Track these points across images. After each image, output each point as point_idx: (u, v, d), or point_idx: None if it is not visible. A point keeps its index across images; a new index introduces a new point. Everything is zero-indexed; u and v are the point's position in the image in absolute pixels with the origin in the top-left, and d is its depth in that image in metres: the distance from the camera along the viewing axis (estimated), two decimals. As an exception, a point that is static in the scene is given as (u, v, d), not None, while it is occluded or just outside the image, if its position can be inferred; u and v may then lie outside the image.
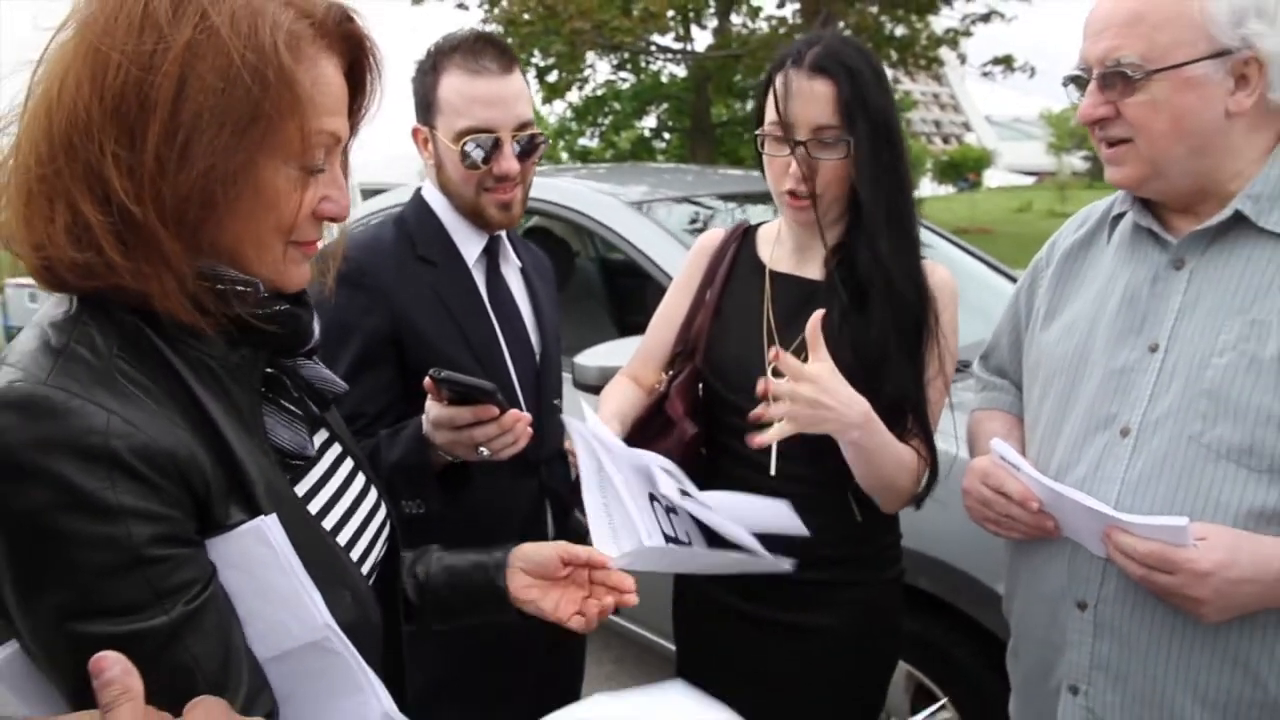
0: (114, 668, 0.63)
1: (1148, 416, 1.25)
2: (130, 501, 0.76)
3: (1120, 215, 1.38)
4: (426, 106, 1.71)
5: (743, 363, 1.54)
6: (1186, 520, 1.12)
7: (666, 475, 1.37)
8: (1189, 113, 1.19)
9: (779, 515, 1.40)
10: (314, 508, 0.99)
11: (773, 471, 1.49)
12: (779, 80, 1.48)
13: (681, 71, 17.16)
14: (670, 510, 1.41)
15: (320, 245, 0.97)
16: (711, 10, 16.08)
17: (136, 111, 0.79)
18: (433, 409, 1.38)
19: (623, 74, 18.26)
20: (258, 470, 0.88)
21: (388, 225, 1.80)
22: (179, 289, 0.83)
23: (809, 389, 1.33)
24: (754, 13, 15.58)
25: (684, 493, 1.40)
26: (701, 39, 16.17)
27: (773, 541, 1.45)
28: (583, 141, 22.00)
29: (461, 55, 1.64)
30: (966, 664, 2.20)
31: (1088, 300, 1.39)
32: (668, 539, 1.34)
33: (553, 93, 16.27)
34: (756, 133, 1.55)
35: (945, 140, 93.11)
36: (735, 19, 16.01)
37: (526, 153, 1.69)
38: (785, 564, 1.46)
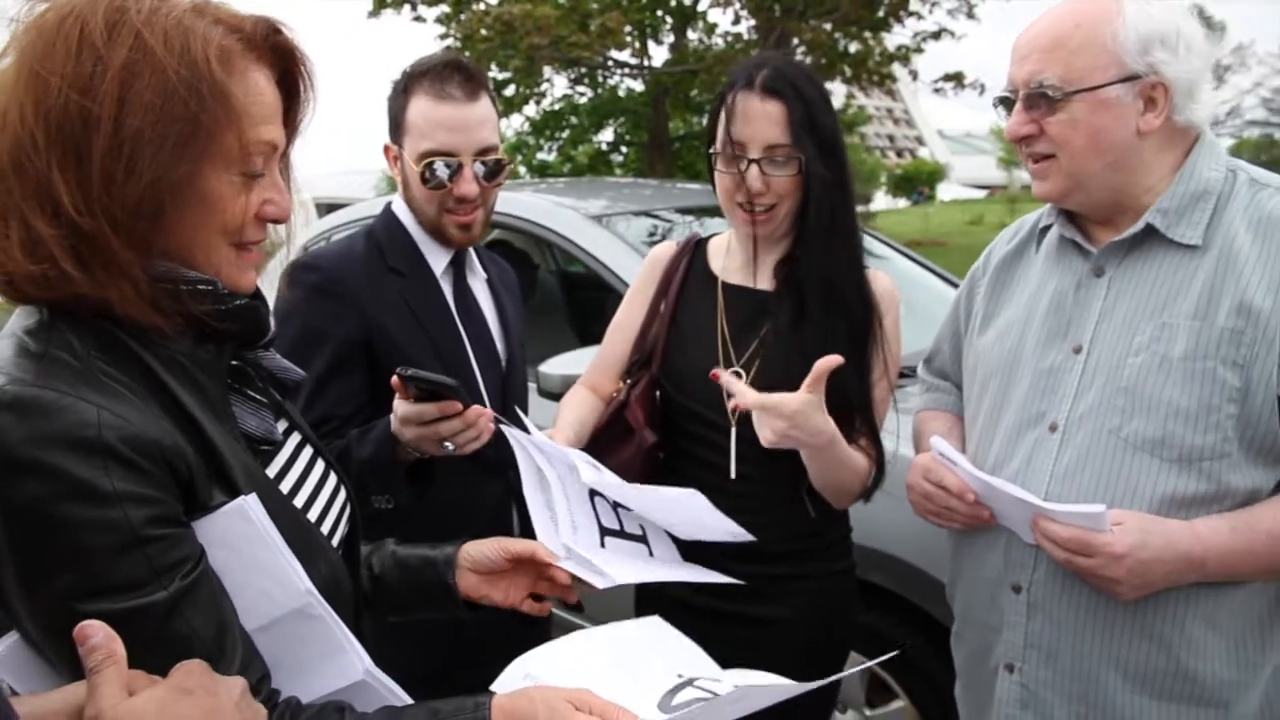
0: (98, 634, 0.70)
1: (1073, 413, 1.36)
2: (125, 487, 0.82)
3: (1048, 227, 1.49)
4: (396, 126, 1.79)
5: (700, 372, 1.61)
6: (1104, 507, 1.23)
7: (590, 467, 1.43)
8: (1104, 131, 1.30)
9: (697, 509, 1.46)
10: (283, 488, 1.06)
11: (733, 474, 1.58)
12: (730, 100, 1.57)
13: (639, 86, 17.32)
14: (618, 506, 1.48)
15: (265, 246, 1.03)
16: (668, 27, 16.26)
17: (80, 130, 0.85)
18: (400, 406, 1.45)
19: (580, 88, 18.37)
20: (233, 455, 0.95)
21: (359, 237, 1.87)
22: (135, 294, 0.88)
23: (782, 424, 1.40)
24: (710, 29, 15.80)
25: (594, 493, 1.46)
26: (658, 54, 16.35)
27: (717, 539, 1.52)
28: (540, 155, 22.08)
29: (430, 80, 1.72)
30: (918, 654, 2.29)
31: (1019, 306, 1.50)
32: (608, 532, 1.42)
33: (509, 107, 16.33)
34: (710, 151, 1.63)
35: (899, 154, 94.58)
36: (691, 35, 16.22)
37: (490, 176, 1.77)
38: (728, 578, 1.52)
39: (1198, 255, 1.31)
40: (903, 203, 51.67)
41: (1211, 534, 1.24)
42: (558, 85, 18.15)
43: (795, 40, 13.89)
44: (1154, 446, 1.28)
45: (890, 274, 1.71)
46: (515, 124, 20.66)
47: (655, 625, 1.27)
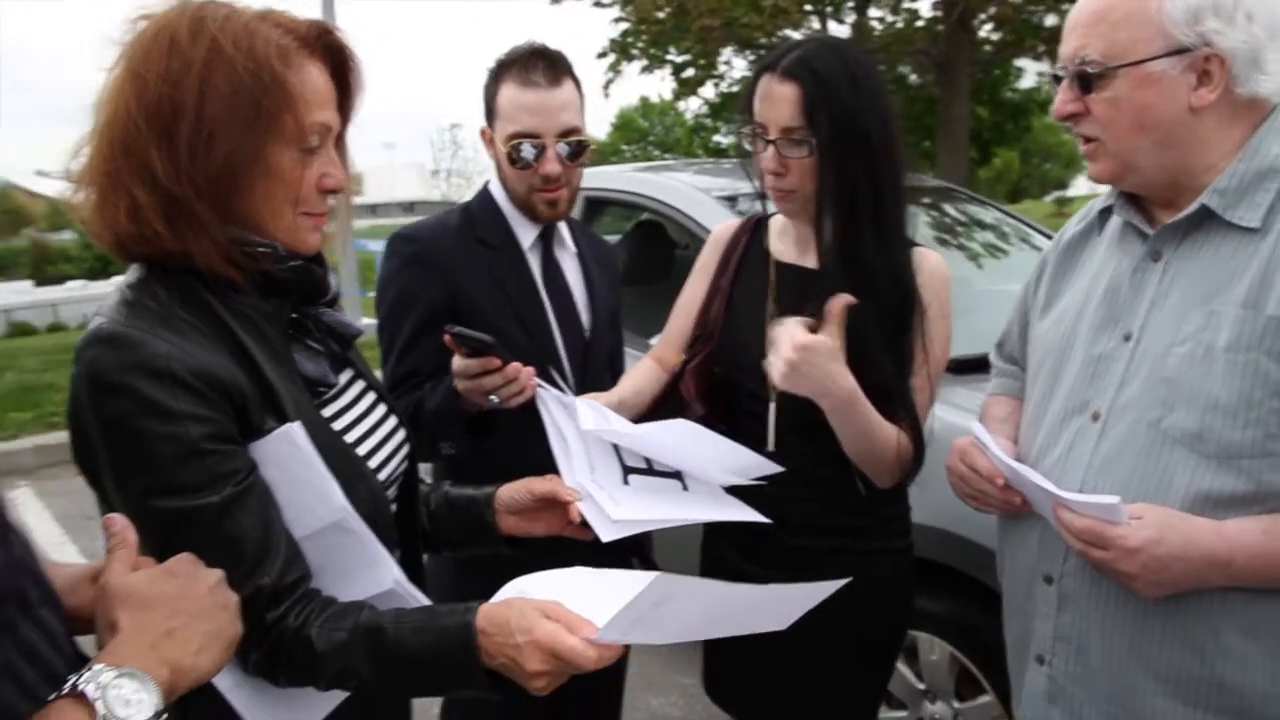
0: (117, 524, 0.88)
1: (1115, 402, 1.31)
2: (187, 408, 1.01)
3: (1109, 209, 1.43)
4: (489, 112, 1.92)
5: (748, 347, 1.66)
6: (1118, 499, 1.18)
7: (590, 412, 1.50)
8: (1149, 108, 1.23)
9: (694, 437, 1.48)
10: (338, 426, 1.23)
11: (770, 446, 1.61)
12: (758, 84, 1.60)
13: (817, 66, 16.96)
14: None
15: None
16: (851, 4, 15.86)
17: (170, 116, 1.04)
18: (454, 361, 1.59)
19: (759, 69, 18.20)
20: (286, 391, 1.13)
21: (455, 212, 2.02)
22: (214, 249, 1.07)
23: (794, 354, 1.43)
24: (895, 5, 15.28)
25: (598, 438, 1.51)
26: (836, 34, 15.96)
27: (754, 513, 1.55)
28: (717, 138, 22.07)
29: (516, 68, 1.84)
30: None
31: (1078, 291, 1.44)
32: (633, 470, 1.49)
33: (686, 89, 16.42)
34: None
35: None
36: (874, 13, 15.75)
37: (573, 156, 1.88)
38: (756, 516, 1.53)
39: (1256, 239, 1.22)
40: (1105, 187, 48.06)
41: (1240, 534, 1.17)
42: (737, 67, 18.08)
43: (980, 16, 13.22)
44: (1192, 441, 1.22)
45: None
46: (693, 106, 20.79)
47: (656, 577, 1.32)
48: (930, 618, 2.36)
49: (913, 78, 17.01)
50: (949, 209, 3.98)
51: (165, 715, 0.75)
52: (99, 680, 0.73)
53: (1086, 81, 1.27)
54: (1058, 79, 1.33)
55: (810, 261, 1.70)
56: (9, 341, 16.28)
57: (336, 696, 1.17)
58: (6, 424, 6.69)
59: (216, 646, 0.86)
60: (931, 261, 1.65)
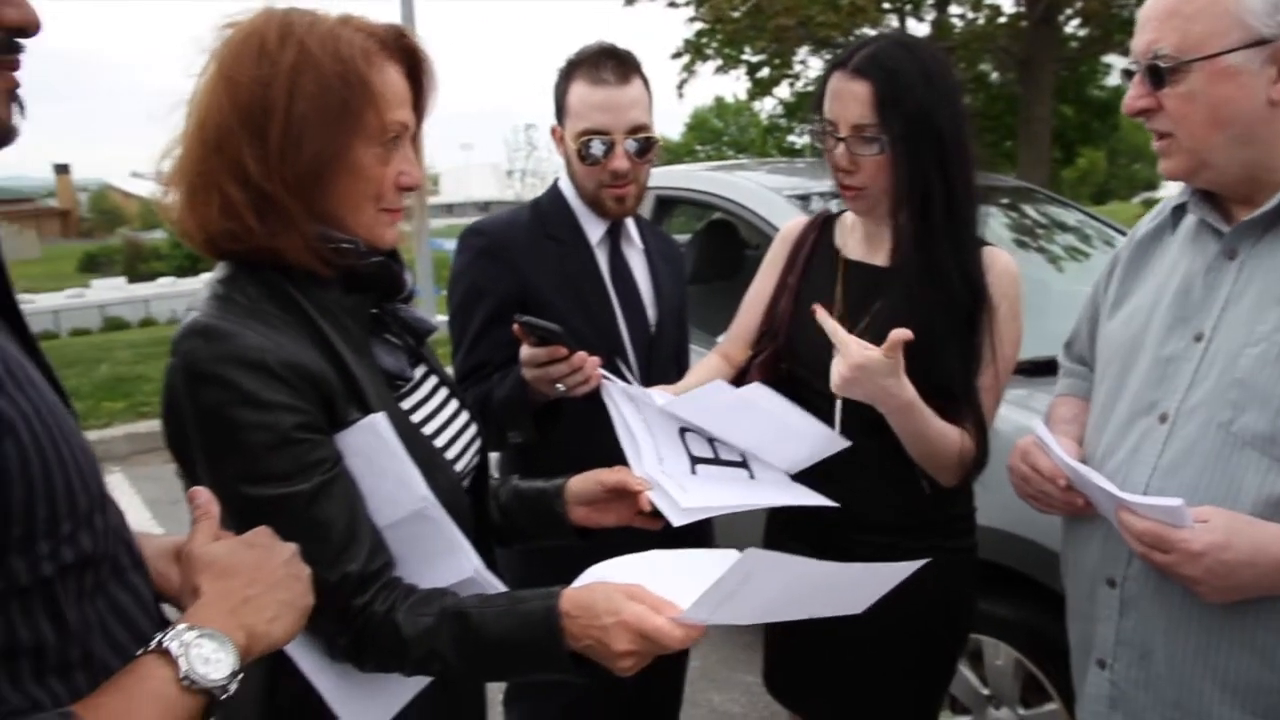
0: (201, 496, 0.94)
1: (1185, 404, 1.28)
2: (279, 398, 1.06)
3: (1183, 206, 1.40)
4: (560, 110, 1.96)
5: (815, 345, 1.65)
6: (1180, 502, 1.16)
7: (661, 394, 1.53)
8: (1226, 103, 1.20)
9: (769, 407, 1.49)
10: (415, 419, 1.27)
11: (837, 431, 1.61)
12: (829, 82, 1.60)
13: (895, 65, 16.71)
14: (711, 440, 1.56)
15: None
16: (931, 1, 15.58)
17: (262, 116, 1.09)
18: (523, 350, 1.63)
19: (836, 69, 17.99)
20: (368, 383, 1.17)
21: (526, 208, 2.07)
22: (303, 244, 1.12)
23: (848, 370, 1.45)
24: (976, 3, 14.95)
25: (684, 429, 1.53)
26: (916, 32, 15.70)
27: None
28: (791, 138, 21.88)
29: (586, 67, 1.89)
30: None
31: (1149, 290, 1.42)
32: (700, 460, 1.50)
33: (761, 89, 16.32)
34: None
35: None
36: (956, 9, 15.44)
37: (641, 153, 1.91)
38: (820, 499, 1.53)
39: None
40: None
41: None
42: (813, 66, 17.90)
43: (1066, 11, 12.85)
44: (1263, 444, 1.18)
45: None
46: (768, 106, 20.64)
47: (731, 556, 1.34)
48: (996, 622, 2.33)
49: (994, 76, 16.64)
50: (1028, 210, 3.90)
51: (240, 675, 0.80)
52: (182, 639, 0.78)
53: (1159, 76, 1.24)
54: (1129, 74, 1.31)
55: (878, 259, 1.70)
56: (104, 335, 17.02)
57: (417, 684, 1.21)
58: (100, 413, 7.00)
59: (289, 615, 0.90)
60: (1002, 261, 1.63)
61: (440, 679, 1.18)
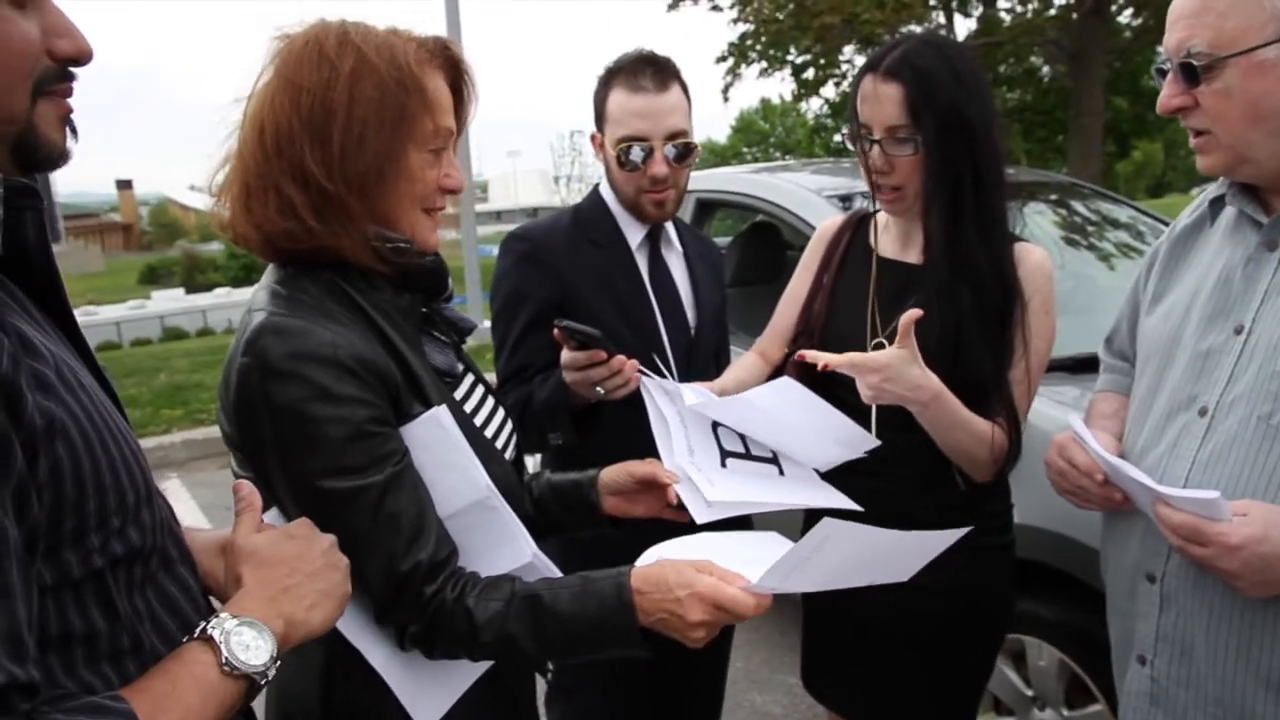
0: (244, 488, 0.99)
1: (1225, 397, 1.27)
2: (353, 392, 1.10)
3: (1221, 198, 1.38)
4: (599, 117, 2.00)
5: (849, 342, 1.68)
6: (1217, 493, 1.15)
7: (692, 393, 1.55)
8: (1263, 97, 1.19)
9: (800, 402, 1.52)
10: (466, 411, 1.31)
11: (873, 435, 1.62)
12: (861, 85, 1.62)
13: (942, 62, 16.53)
14: (743, 436, 1.58)
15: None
16: (977, -2, 15.39)
17: (323, 120, 1.12)
18: (563, 354, 1.67)
19: (881, 67, 17.84)
20: (427, 378, 1.21)
21: (567, 213, 2.11)
22: (362, 242, 1.16)
23: (874, 377, 1.47)
24: (1023, -3, 14.73)
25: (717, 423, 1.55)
26: (962, 28, 15.53)
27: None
28: (838, 137, 21.70)
29: (625, 74, 1.92)
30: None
31: (1188, 284, 1.41)
32: (730, 454, 1.53)
33: (807, 89, 16.25)
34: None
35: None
36: (1003, 3, 15.23)
37: (680, 158, 1.94)
38: (846, 502, 1.54)
39: None
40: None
41: None
42: (859, 65, 17.74)
43: (1119, 1, 12.59)
44: None
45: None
46: (814, 106, 20.51)
47: (775, 538, 1.37)
48: (1039, 621, 2.31)
49: (1044, 70, 16.37)
50: (1077, 206, 3.84)
51: (278, 662, 0.85)
52: (224, 627, 0.83)
53: (1193, 74, 1.23)
54: (1162, 73, 1.31)
55: (912, 256, 1.71)
56: (163, 345, 17.49)
57: (475, 672, 1.25)
58: (159, 420, 7.20)
59: (328, 604, 0.94)
60: (1035, 256, 1.64)
61: (507, 663, 1.22)
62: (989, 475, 1.62)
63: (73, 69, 0.81)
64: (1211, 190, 1.45)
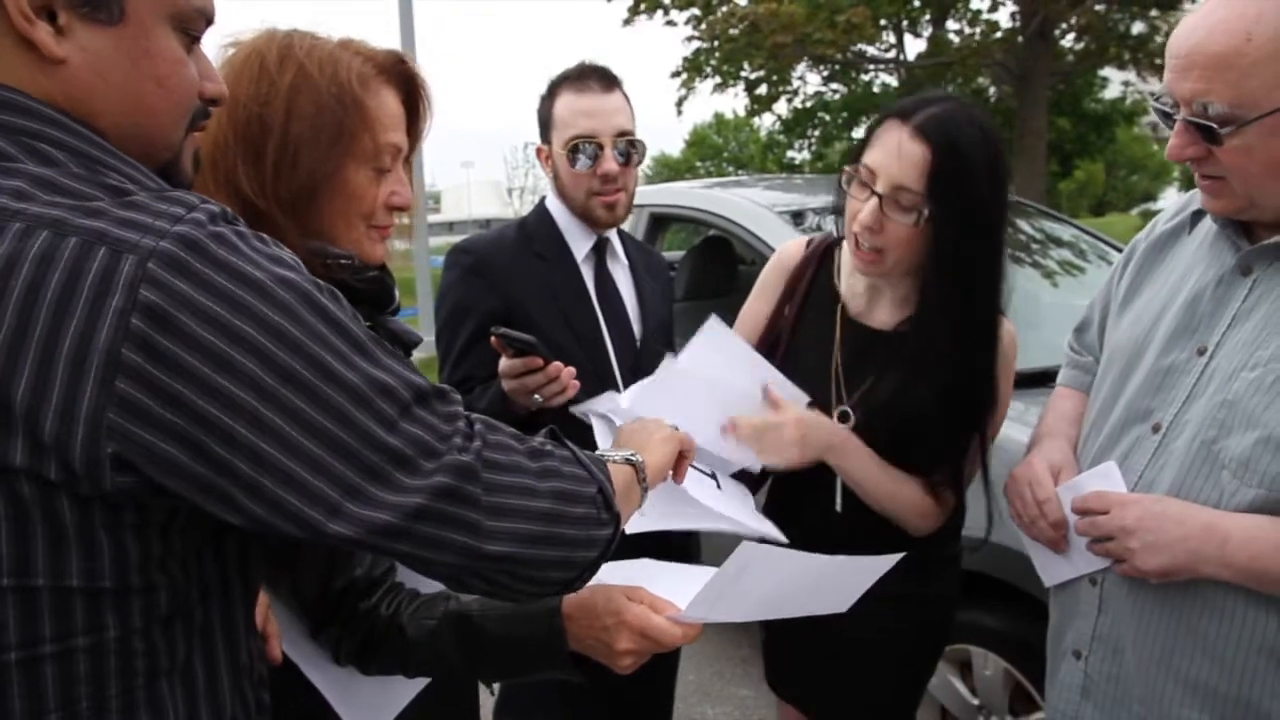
0: None
1: (1180, 416, 1.28)
2: None
3: (1203, 211, 1.36)
4: (545, 126, 2.00)
5: (815, 395, 1.62)
6: (1114, 463, 1.26)
7: (608, 399, 1.57)
8: None
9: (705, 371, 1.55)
10: None
11: (838, 507, 1.63)
12: (882, 128, 1.49)
13: (894, 81, 16.86)
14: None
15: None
16: (927, 18, 15.70)
17: (259, 134, 1.10)
18: (501, 362, 1.66)
19: (834, 85, 18.16)
20: None
21: (513, 226, 2.10)
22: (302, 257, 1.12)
23: (794, 432, 1.53)
24: (973, 18, 15.06)
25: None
26: (913, 48, 15.84)
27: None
28: (790, 154, 21.99)
29: (571, 81, 1.94)
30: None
31: (1159, 293, 1.40)
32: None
33: (760, 105, 16.43)
34: (846, 168, 1.55)
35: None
36: (952, 25, 15.55)
37: (627, 158, 1.95)
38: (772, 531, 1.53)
39: None
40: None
41: (1241, 517, 1.18)
42: (811, 83, 18.00)
43: (1062, 25, 12.92)
44: (1238, 468, 1.19)
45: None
46: (767, 122, 20.73)
47: (712, 570, 1.36)
48: (984, 632, 2.34)
49: (990, 91, 16.75)
50: (1021, 224, 3.92)
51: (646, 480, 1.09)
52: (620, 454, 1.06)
53: (1212, 134, 1.18)
54: (1167, 115, 1.24)
55: (880, 318, 1.65)
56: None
57: (417, 686, 1.23)
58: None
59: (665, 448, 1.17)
60: (1010, 332, 1.62)
61: (442, 680, 1.20)
62: (925, 531, 1.62)
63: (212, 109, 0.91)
64: (1194, 201, 1.43)
